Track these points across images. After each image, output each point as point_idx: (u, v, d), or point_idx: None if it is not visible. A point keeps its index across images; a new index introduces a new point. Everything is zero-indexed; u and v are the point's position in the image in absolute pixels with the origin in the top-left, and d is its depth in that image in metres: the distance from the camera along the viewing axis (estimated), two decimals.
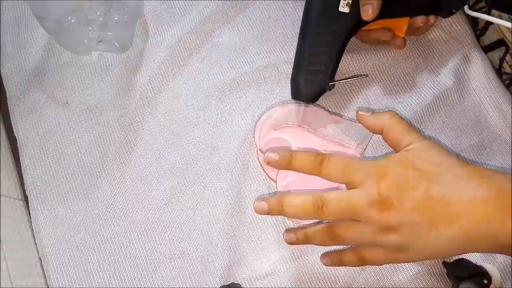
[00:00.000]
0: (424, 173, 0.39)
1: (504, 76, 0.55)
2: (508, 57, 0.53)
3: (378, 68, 0.56)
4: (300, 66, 0.49)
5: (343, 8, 0.47)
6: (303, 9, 0.49)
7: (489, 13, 0.52)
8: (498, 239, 0.36)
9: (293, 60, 0.55)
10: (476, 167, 0.39)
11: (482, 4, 0.55)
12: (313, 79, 0.49)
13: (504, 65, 0.54)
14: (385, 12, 0.47)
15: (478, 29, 0.56)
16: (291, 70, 0.51)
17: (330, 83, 0.49)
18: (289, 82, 0.51)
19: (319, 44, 0.48)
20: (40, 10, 0.53)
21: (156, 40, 0.58)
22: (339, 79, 0.52)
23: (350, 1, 0.46)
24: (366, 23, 0.48)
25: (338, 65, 0.49)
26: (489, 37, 0.55)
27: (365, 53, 0.56)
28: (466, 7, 0.53)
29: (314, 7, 0.48)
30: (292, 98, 0.51)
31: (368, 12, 0.46)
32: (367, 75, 0.54)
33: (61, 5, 0.52)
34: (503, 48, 0.54)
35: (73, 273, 0.51)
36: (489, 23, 0.54)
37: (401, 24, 0.50)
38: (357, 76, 0.54)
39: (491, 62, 0.56)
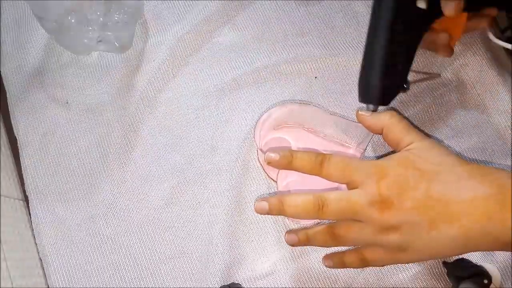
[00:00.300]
0: (424, 172, 0.39)
1: None
2: None
3: None
4: (373, 67, 0.45)
5: (421, 3, 0.43)
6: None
7: None
8: (499, 237, 0.36)
9: (293, 60, 0.55)
10: (476, 166, 0.39)
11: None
12: (389, 81, 0.45)
13: None
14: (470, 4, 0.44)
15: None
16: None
17: (406, 85, 0.46)
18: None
19: (396, 43, 0.44)
20: (40, 10, 0.53)
21: (156, 40, 0.58)
22: (414, 80, 0.50)
23: None
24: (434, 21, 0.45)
25: (411, 64, 0.46)
26: None
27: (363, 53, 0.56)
28: (490, 34, 0.51)
29: (387, 3, 0.43)
30: (360, 101, 0.47)
31: (451, 8, 0.42)
32: (439, 75, 0.53)
33: (61, 5, 0.52)
34: None
35: (73, 273, 0.51)
36: None
37: (457, 25, 0.48)
38: (431, 75, 0.51)
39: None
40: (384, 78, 0.44)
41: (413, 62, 0.46)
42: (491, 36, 0.50)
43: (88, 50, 0.57)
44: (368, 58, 0.45)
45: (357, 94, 0.47)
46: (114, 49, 0.56)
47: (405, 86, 0.46)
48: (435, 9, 0.44)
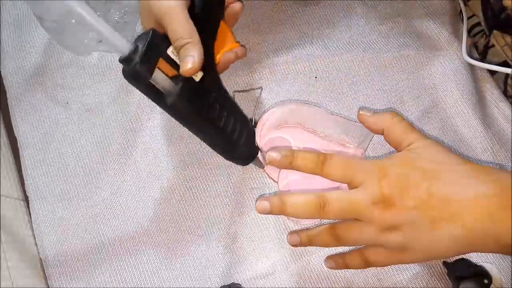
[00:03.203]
0: (425, 171, 0.39)
1: (511, 100, 0.54)
2: (510, 81, 0.53)
3: (379, 69, 0.56)
4: (227, 145, 0.47)
5: (197, 77, 0.43)
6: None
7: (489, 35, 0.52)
8: (500, 238, 0.36)
9: (293, 60, 0.55)
10: (478, 165, 0.39)
11: (478, 29, 0.55)
12: (246, 138, 0.47)
13: (508, 88, 0.54)
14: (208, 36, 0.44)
15: (479, 53, 0.56)
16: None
17: (252, 125, 0.49)
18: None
19: (218, 119, 0.45)
20: (40, 10, 0.53)
21: None
22: (252, 117, 0.51)
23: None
24: (214, 67, 0.46)
25: (238, 107, 0.48)
26: (489, 61, 0.55)
27: (364, 53, 0.56)
28: (465, 54, 0.53)
29: (177, 104, 0.42)
30: (245, 165, 0.50)
31: (187, 64, 0.40)
32: (261, 88, 0.54)
33: (61, 5, 0.52)
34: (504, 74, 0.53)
35: (73, 273, 0.51)
36: (488, 46, 0.54)
37: (224, 34, 0.48)
38: (253, 89, 0.54)
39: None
40: (241, 143, 0.47)
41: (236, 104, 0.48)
42: (469, 59, 0.52)
43: (89, 51, 0.57)
44: (216, 144, 0.47)
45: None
46: (114, 49, 0.56)
47: (253, 126, 0.50)
48: (209, 65, 0.44)
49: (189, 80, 0.42)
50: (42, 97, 0.57)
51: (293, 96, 0.55)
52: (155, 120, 0.55)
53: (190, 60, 0.40)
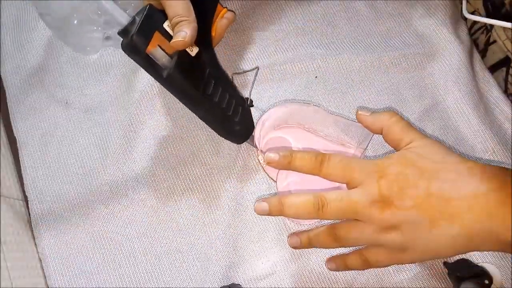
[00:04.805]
0: (424, 170, 0.39)
1: (511, 98, 0.54)
2: (511, 78, 0.53)
3: (379, 69, 0.56)
4: (221, 121, 0.48)
5: (192, 51, 0.45)
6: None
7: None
8: (500, 235, 0.36)
9: (293, 60, 0.55)
10: (477, 163, 0.39)
11: (479, 25, 0.55)
12: (241, 116, 0.49)
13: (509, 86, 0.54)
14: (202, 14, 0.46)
15: (479, 51, 0.56)
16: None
17: (248, 103, 0.50)
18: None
19: (212, 94, 0.47)
20: (44, 8, 0.53)
21: None
22: (248, 95, 0.52)
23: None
24: (210, 43, 0.48)
25: (235, 86, 0.50)
26: (490, 58, 0.55)
27: (364, 53, 0.56)
28: (465, 11, 0.53)
29: (172, 77, 0.44)
30: (239, 143, 0.51)
31: (179, 38, 0.42)
32: (258, 67, 0.55)
33: (66, 5, 0.52)
34: (504, 69, 0.53)
35: (73, 273, 0.51)
36: (488, 44, 0.54)
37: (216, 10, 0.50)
38: (252, 70, 0.55)
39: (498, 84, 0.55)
40: (237, 119, 0.48)
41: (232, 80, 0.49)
42: (466, 13, 0.53)
43: (96, 49, 0.57)
44: (210, 120, 0.48)
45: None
46: (115, 22, 0.57)
47: (249, 104, 0.50)
48: (205, 40, 0.46)
49: (184, 54, 0.44)
50: (42, 97, 0.57)
51: (293, 96, 0.55)
52: (155, 120, 0.55)
53: (182, 35, 0.42)
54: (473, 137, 0.53)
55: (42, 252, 0.52)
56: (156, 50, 0.42)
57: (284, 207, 0.42)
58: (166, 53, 0.43)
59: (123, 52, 0.45)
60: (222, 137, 0.50)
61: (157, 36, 0.42)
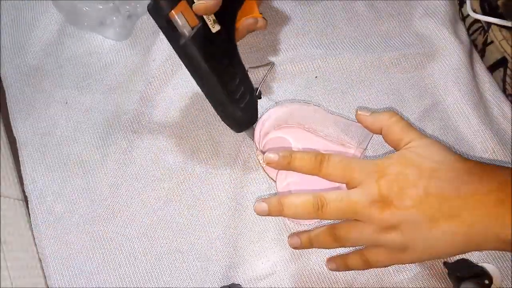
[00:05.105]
0: (424, 170, 0.39)
1: (510, 98, 0.54)
2: (508, 79, 0.53)
3: (379, 69, 0.56)
4: (225, 102, 0.48)
5: (214, 28, 0.46)
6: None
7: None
8: (499, 234, 0.36)
9: (293, 60, 0.55)
10: (476, 162, 0.39)
11: (477, 26, 0.55)
12: (246, 104, 0.49)
13: (507, 86, 0.54)
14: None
15: (478, 51, 0.56)
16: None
17: (257, 94, 0.50)
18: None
19: (223, 73, 0.47)
20: None
21: (156, 40, 0.58)
22: (258, 86, 0.52)
23: (214, 17, 0.45)
24: (233, 29, 0.48)
25: (247, 74, 0.50)
26: (488, 59, 0.55)
27: (364, 53, 0.56)
28: (469, 8, 0.53)
29: (188, 45, 0.45)
30: (238, 132, 0.52)
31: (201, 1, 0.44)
32: (274, 63, 0.55)
33: None
34: (501, 70, 0.53)
35: (73, 273, 0.51)
36: (486, 44, 0.54)
37: (251, 7, 0.51)
38: (266, 65, 0.55)
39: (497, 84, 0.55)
40: (242, 106, 0.49)
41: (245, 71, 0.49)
42: (470, 11, 0.52)
43: (94, 27, 0.58)
44: (214, 99, 0.49)
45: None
46: (113, 35, 0.57)
47: (257, 95, 0.51)
48: (229, 24, 0.47)
49: (205, 28, 0.45)
50: (41, 97, 0.57)
51: (293, 96, 0.55)
52: (155, 120, 0.55)
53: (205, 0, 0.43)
54: (473, 137, 0.53)
55: (42, 252, 0.51)
56: (179, 17, 0.44)
57: (284, 207, 0.42)
58: (189, 24, 0.44)
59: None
60: (222, 120, 0.50)
61: (182, 4, 0.44)
